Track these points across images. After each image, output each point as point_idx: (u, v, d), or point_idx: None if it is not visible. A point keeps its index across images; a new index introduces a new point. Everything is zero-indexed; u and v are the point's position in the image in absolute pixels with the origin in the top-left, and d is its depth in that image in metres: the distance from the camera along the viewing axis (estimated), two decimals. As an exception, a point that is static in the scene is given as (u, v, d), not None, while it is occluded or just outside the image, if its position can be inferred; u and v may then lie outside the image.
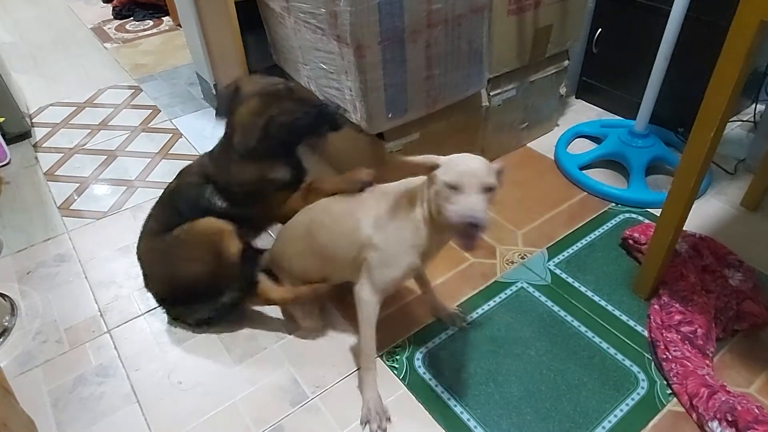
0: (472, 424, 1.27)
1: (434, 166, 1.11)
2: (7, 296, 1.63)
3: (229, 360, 1.44)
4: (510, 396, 1.32)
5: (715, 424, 1.21)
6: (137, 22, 3.60)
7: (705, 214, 1.80)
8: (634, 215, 1.82)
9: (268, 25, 1.95)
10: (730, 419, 1.20)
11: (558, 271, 1.64)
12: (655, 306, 1.48)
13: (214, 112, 2.51)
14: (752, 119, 2.17)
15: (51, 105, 2.67)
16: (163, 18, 3.63)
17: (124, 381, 1.40)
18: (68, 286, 1.67)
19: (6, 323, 1.55)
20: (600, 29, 2.20)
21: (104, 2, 3.90)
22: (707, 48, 1.79)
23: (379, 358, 1.42)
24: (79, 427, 1.30)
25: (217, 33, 2.15)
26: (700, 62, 1.86)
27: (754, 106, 2.17)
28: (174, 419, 1.30)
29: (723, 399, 1.23)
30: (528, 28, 1.84)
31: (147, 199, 2.01)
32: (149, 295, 1.61)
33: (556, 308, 1.53)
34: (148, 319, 1.55)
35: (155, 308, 1.57)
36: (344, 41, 1.46)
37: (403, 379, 1.37)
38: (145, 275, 1.52)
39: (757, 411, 1.20)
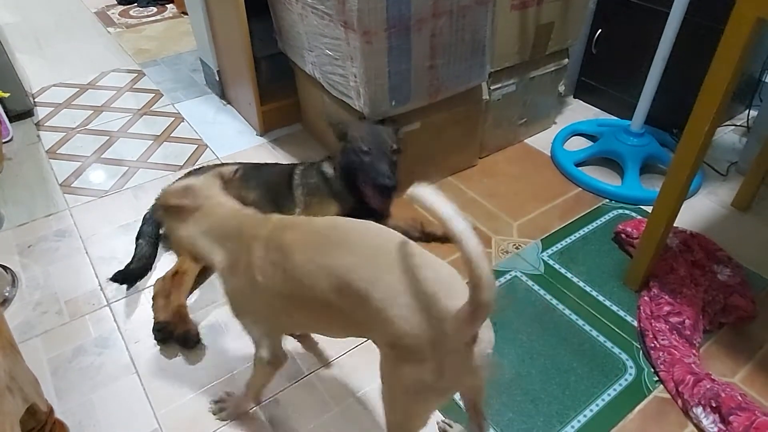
0: (463, 403, 1.30)
1: None
2: (8, 268, 1.64)
3: (227, 336, 1.46)
4: (501, 378, 1.36)
5: (700, 410, 1.25)
6: (141, 8, 3.61)
7: (697, 212, 1.84)
8: (627, 211, 1.86)
9: (275, 12, 1.98)
10: (714, 405, 1.24)
11: (551, 262, 1.67)
12: (645, 297, 1.52)
13: (216, 97, 2.54)
14: (745, 124, 2.22)
15: (53, 86, 2.68)
16: (166, 5, 3.64)
17: (123, 352, 1.42)
18: (69, 260, 1.69)
19: (7, 293, 1.57)
20: (600, 30, 2.24)
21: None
22: (704, 51, 1.83)
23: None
24: (77, 395, 1.32)
25: (223, 19, 2.17)
26: (696, 65, 1.89)
27: (747, 111, 2.22)
28: (172, 390, 1.33)
29: (708, 386, 1.27)
30: (530, 24, 1.88)
31: (148, 180, 2.03)
32: (150, 271, 1.64)
33: (548, 297, 1.57)
34: (148, 295, 1.57)
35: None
36: (351, 27, 1.49)
37: (397, 359, 1.39)
38: None
39: (740, 398, 1.23)
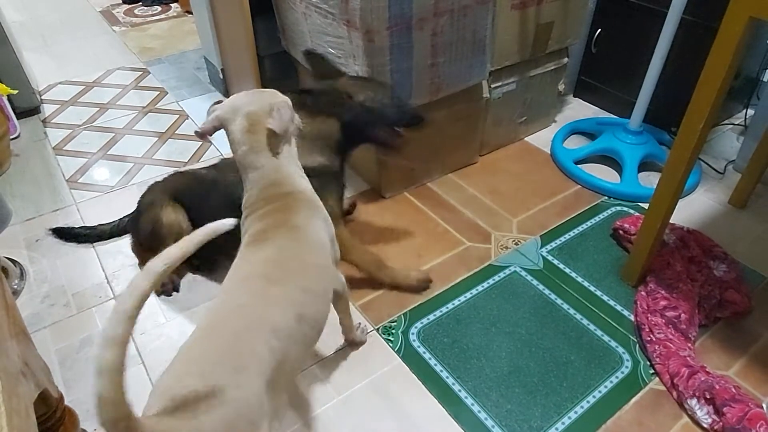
0: (463, 394, 1.33)
1: None
2: (17, 261, 1.67)
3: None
4: (500, 370, 1.38)
5: (694, 401, 1.28)
6: (145, 7, 3.64)
7: (694, 209, 1.87)
8: (625, 208, 1.89)
9: (278, 10, 2.01)
10: (708, 397, 1.26)
11: (550, 258, 1.70)
12: (642, 292, 1.54)
13: (220, 95, 2.57)
14: (743, 123, 2.25)
15: (60, 83, 2.71)
16: (171, 4, 3.67)
17: (130, 344, 1.45)
18: (76, 254, 1.72)
19: (15, 286, 1.60)
20: (600, 29, 2.27)
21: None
22: (702, 50, 1.86)
23: (375, 332, 1.48)
24: (85, 385, 1.35)
25: (227, 18, 2.20)
26: (694, 64, 1.91)
27: (745, 111, 2.24)
28: (177, 380, 1.36)
29: (702, 378, 1.29)
30: (530, 23, 1.90)
31: (153, 176, 2.05)
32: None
33: (547, 292, 1.59)
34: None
35: (161, 278, 1.62)
36: (354, 25, 1.52)
37: (398, 352, 1.42)
38: None
39: (734, 390, 1.26)
